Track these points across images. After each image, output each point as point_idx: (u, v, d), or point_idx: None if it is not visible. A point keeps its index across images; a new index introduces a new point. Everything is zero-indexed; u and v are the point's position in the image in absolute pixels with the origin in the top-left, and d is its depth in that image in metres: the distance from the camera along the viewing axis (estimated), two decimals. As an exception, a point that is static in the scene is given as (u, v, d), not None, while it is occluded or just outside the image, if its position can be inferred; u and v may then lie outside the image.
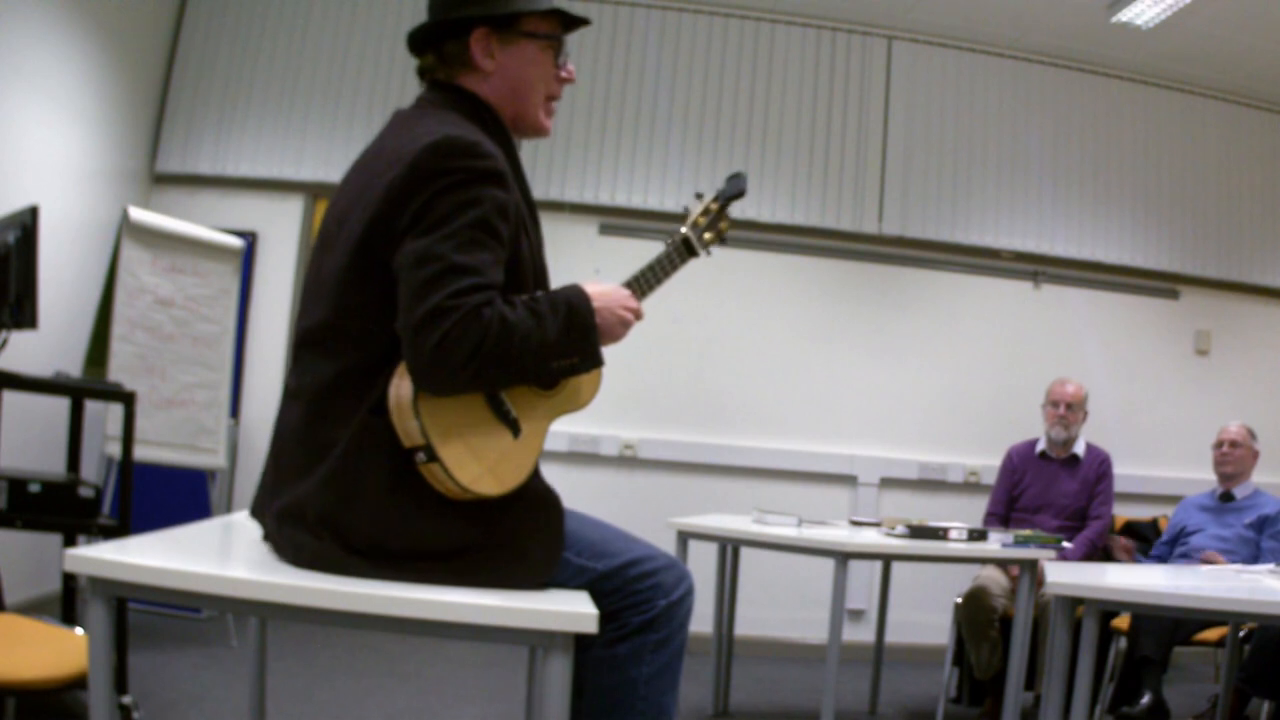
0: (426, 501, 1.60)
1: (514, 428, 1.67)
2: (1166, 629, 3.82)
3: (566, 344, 1.64)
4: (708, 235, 2.01)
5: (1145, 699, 3.79)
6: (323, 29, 5.44)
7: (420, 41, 1.82)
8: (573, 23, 1.83)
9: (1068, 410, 4.54)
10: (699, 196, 1.97)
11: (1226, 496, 4.35)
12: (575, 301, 1.67)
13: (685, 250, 1.96)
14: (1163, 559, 4.35)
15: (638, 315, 1.80)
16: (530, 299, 1.65)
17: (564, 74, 1.84)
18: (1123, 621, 3.95)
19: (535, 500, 1.70)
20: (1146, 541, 4.57)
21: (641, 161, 5.56)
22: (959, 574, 4.68)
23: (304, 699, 3.69)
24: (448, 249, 1.55)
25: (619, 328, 1.75)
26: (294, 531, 1.62)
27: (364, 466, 1.59)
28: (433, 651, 4.57)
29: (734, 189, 1.99)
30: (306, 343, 1.70)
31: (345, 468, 1.59)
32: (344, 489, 1.59)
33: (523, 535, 1.66)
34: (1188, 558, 4.20)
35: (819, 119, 5.70)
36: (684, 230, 1.97)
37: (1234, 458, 4.37)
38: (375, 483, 1.59)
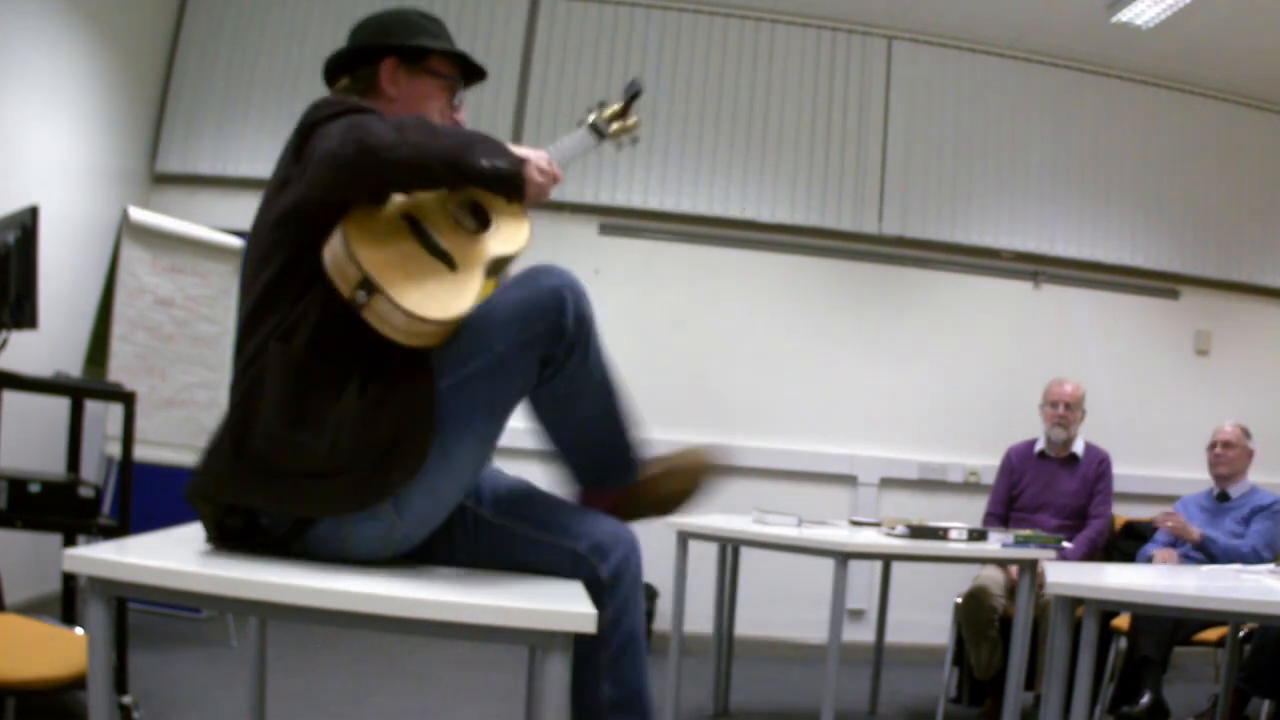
0: (315, 418, 1.63)
1: (447, 261, 1.71)
2: (1166, 629, 3.82)
3: (487, 145, 1.72)
4: (614, 126, 2.17)
5: (1145, 699, 3.79)
6: (323, 29, 5.44)
7: (336, 66, 1.97)
8: (471, 73, 2.01)
9: (1066, 410, 4.54)
10: (600, 103, 2.15)
11: (1223, 496, 4.35)
12: (485, 133, 1.77)
13: (594, 133, 2.14)
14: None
15: (555, 178, 1.87)
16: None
17: (455, 116, 1.98)
18: (1123, 621, 3.95)
19: (408, 410, 1.67)
20: (1146, 541, 4.57)
21: (641, 161, 5.56)
22: (959, 574, 4.68)
23: (304, 699, 3.69)
24: (353, 121, 1.66)
25: (536, 173, 1.80)
26: (203, 459, 1.70)
27: (263, 384, 1.66)
28: (433, 651, 4.57)
29: (633, 89, 2.17)
30: (239, 333, 1.78)
31: (250, 392, 1.67)
32: (247, 410, 1.66)
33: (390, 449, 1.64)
34: (1185, 558, 4.20)
35: (819, 119, 5.70)
36: (591, 117, 2.14)
37: (1228, 458, 4.36)
38: (272, 397, 1.64)
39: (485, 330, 1.67)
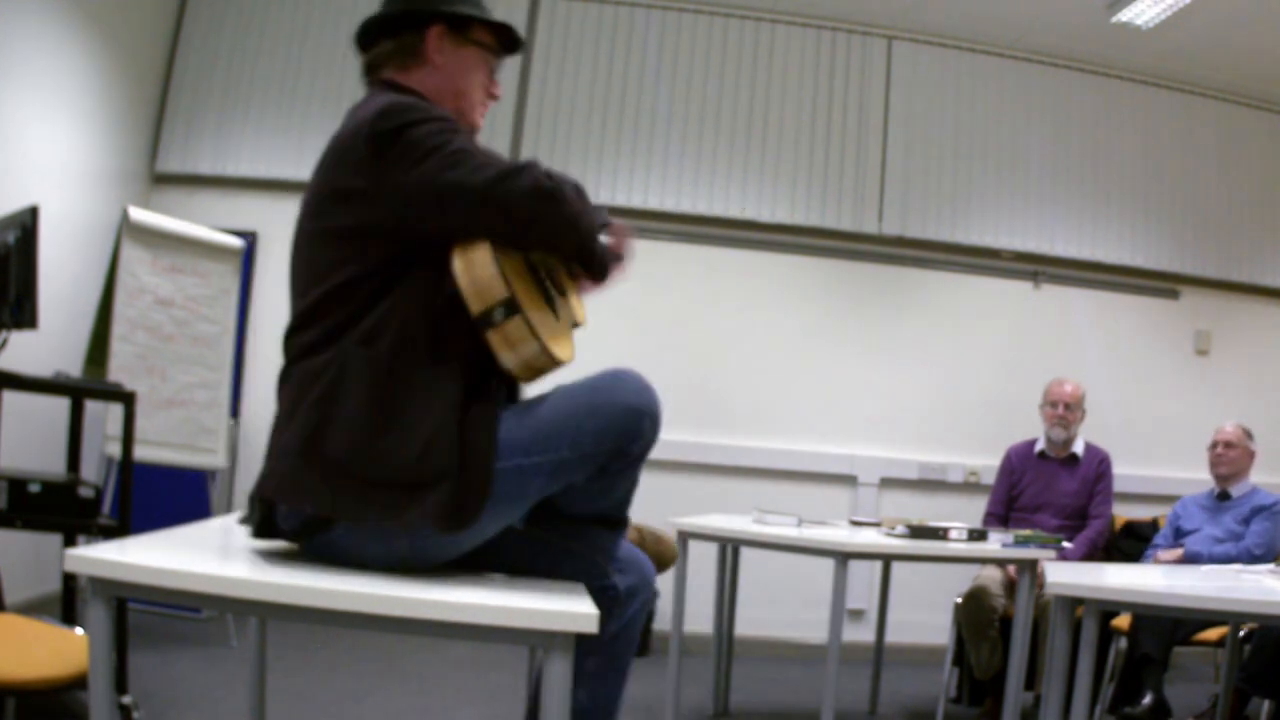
0: (403, 426, 1.61)
1: (555, 311, 1.77)
2: (1167, 628, 3.82)
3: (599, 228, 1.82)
4: None
5: (1147, 699, 3.79)
6: (323, 29, 5.44)
7: (376, 30, 1.92)
8: (512, 45, 1.98)
9: (1066, 410, 4.54)
10: None
11: (1223, 496, 4.35)
12: None
13: None
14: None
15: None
16: None
17: (494, 90, 1.97)
18: (1123, 621, 3.95)
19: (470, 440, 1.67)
20: (1146, 541, 4.57)
21: (641, 161, 5.56)
22: (959, 574, 4.68)
23: (304, 699, 3.69)
24: (465, 146, 1.66)
25: (619, 268, 1.91)
26: (271, 463, 1.66)
27: (347, 389, 1.62)
28: (433, 651, 4.57)
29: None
30: (289, 333, 1.76)
31: (328, 394, 1.63)
32: (324, 412, 1.62)
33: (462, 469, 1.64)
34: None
35: (819, 119, 5.70)
36: None
37: (1228, 459, 4.35)
38: (356, 403, 1.61)
39: (557, 430, 1.67)
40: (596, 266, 1.80)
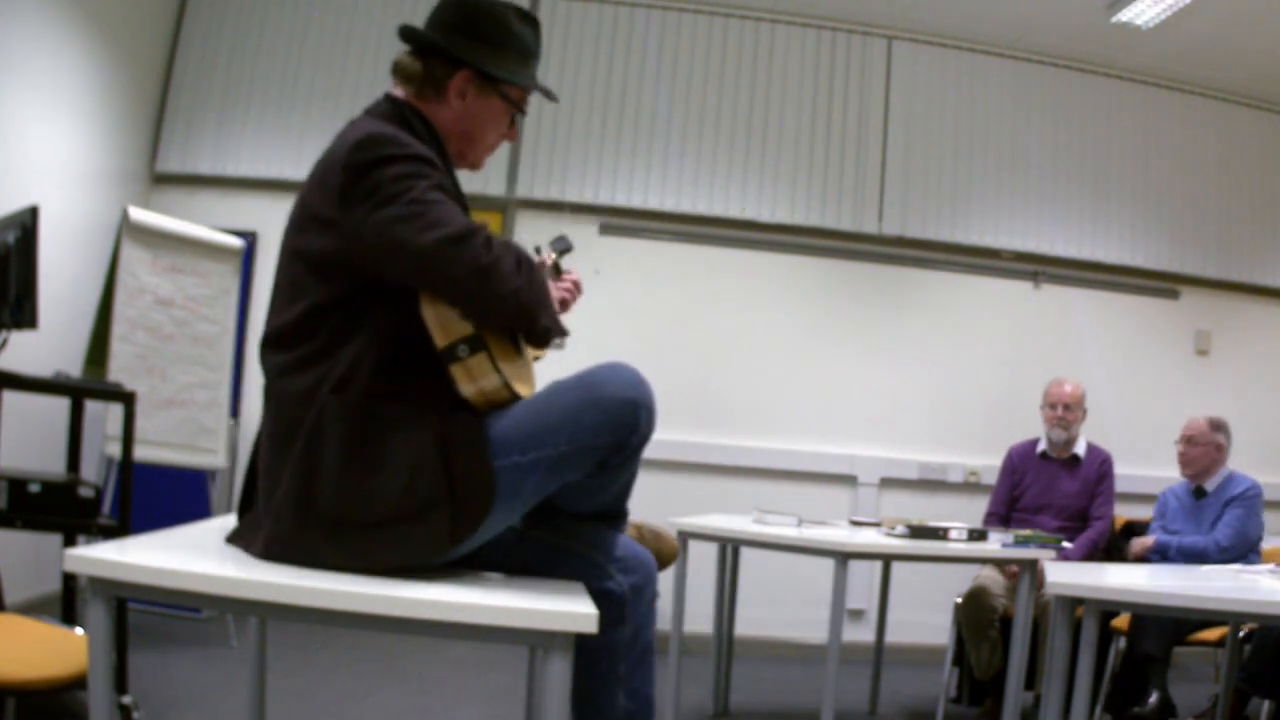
0: (387, 463, 1.62)
1: (518, 348, 1.79)
2: (1168, 627, 3.81)
3: (549, 302, 1.77)
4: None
5: (1153, 698, 3.78)
6: (323, 29, 5.44)
7: (415, 42, 1.88)
8: (538, 95, 1.97)
9: (1066, 411, 4.53)
10: (537, 250, 2.03)
11: (1199, 492, 4.31)
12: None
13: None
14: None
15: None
16: None
17: (511, 136, 1.98)
18: (1122, 621, 3.95)
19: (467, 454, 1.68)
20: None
21: (641, 161, 5.56)
22: (959, 574, 4.68)
23: (304, 699, 3.69)
24: (425, 196, 1.64)
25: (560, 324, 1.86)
26: (270, 525, 1.66)
27: (324, 442, 1.63)
28: (433, 651, 4.57)
29: (561, 246, 2.09)
30: (265, 344, 1.76)
31: (309, 447, 1.64)
32: (309, 465, 1.63)
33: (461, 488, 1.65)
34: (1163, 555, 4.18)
35: (819, 119, 5.70)
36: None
37: (1191, 457, 4.28)
38: (334, 452, 1.63)
39: (554, 426, 1.67)
40: (536, 337, 1.77)
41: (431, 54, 1.85)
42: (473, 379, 1.66)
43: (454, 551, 1.65)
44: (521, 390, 1.72)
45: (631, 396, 1.69)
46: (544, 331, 1.74)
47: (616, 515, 1.88)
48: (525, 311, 1.69)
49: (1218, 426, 4.31)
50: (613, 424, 1.68)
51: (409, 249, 1.62)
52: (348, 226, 1.66)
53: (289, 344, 1.71)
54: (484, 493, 1.63)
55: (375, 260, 1.65)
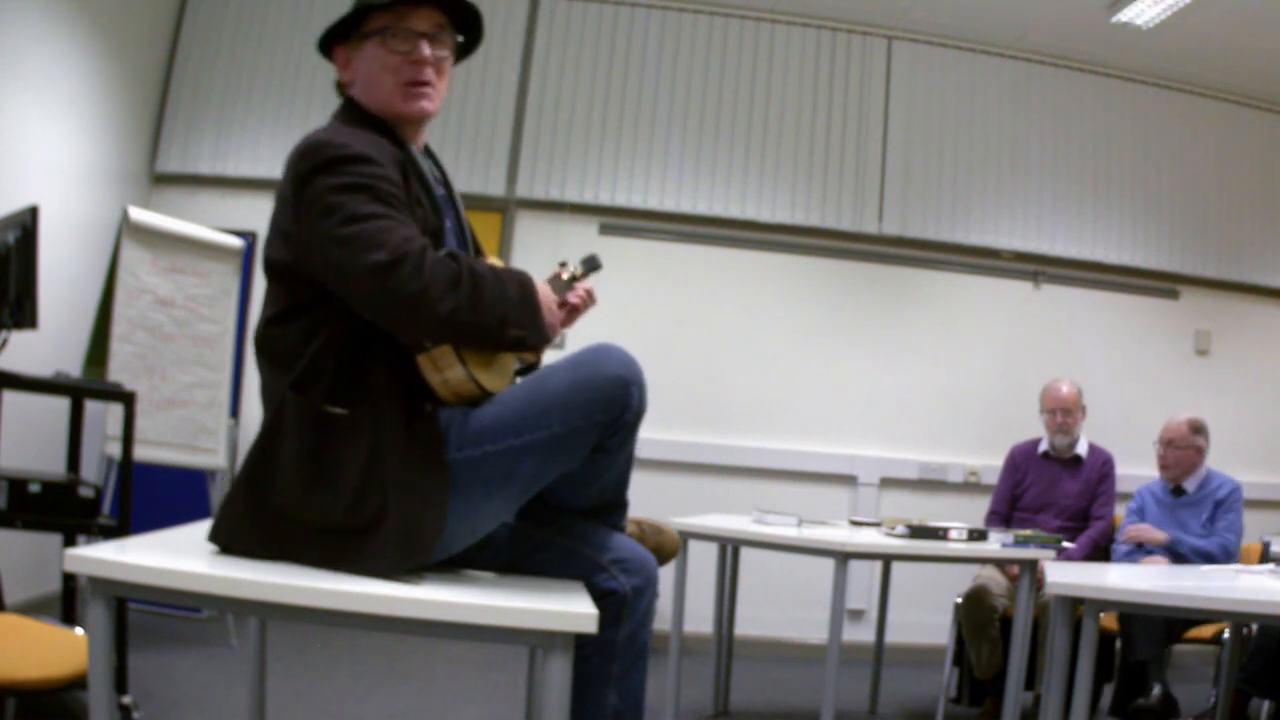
0: (332, 478, 1.64)
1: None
2: (1158, 630, 3.78)
3: (520, 312, 1.71)
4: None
5: (1155, 690, 3.77)
6: (323, 29, 5.43)
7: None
8: (465, 23, 1.89)
9: (1065, 416, 4.52)
10: (563, 264, 2.00)
11: (1178, 491, 4.29)
12: (525, 279, 1.75)
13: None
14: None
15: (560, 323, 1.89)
16: (479, 261, 1.72)
17: (413, 56, 1.81)
18: (1110, 620, 3.92)
19: (426, 480, 1.66)
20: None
21: (641, 161, 5.56)
22: (959, 574, 4.67)
23: (304, 699, 3.69)
24: (361, 210, 1.63)
25: (552, 330, 1.79)
26: (220, 510, 1.70)
27: (282, 439, 1.66)
28: (433, 651, 4.57)
29: (591, 265, 2.04)
30: (255, 337, 1.80)
31: (267, 442, 1.67)
32: (265, 459, 1.66)
33: (410, 517, 1.62)
34: (1134, 555, 4.17)
35: (819, 119, 5.70)
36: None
37: (1170, 460, 4.25)
38: (289, 454, 1.65)
39: (545, 408, 1.67)
40: (506, 347, 1.74)
41: (326, 56, 1.91)
42: (438, 369, 1.66)
43: (451, 534, 1.65)
44: (490, 384, 1.70)
45: (621, 374, 1.69)
46: (515, 340, 1.71)
47: (617, 505, 1.88)
48: (470, 329, 1.64)
49: (1197, 429, 4.27)
50: (604, 402, 1.68)
51: (343, 273, 1.63)
52: (299, 240, 1.69)
53: (263, 347, 1.76)
54: (435, 517, 1.62)
55: (322, 276, 1.67)
